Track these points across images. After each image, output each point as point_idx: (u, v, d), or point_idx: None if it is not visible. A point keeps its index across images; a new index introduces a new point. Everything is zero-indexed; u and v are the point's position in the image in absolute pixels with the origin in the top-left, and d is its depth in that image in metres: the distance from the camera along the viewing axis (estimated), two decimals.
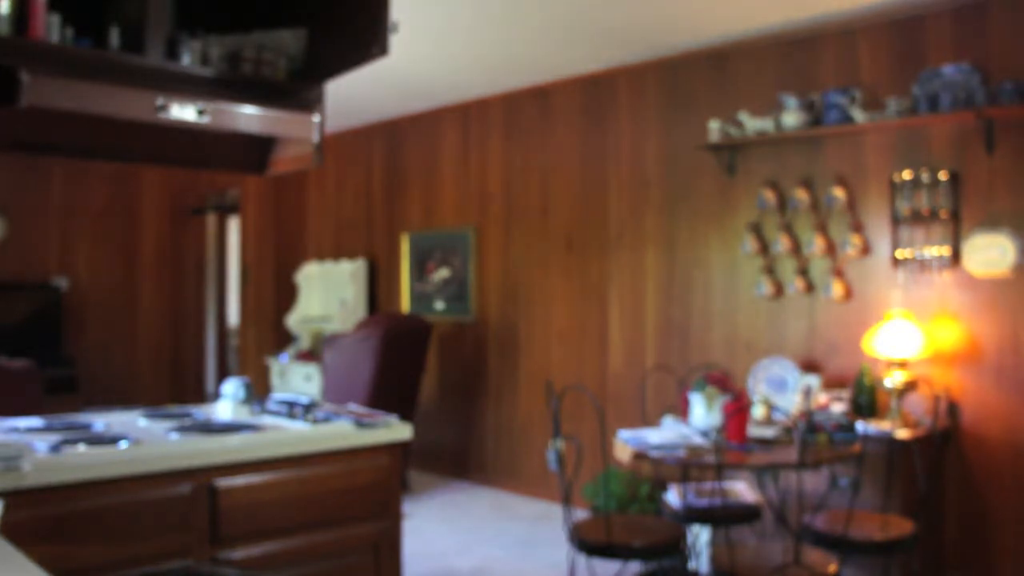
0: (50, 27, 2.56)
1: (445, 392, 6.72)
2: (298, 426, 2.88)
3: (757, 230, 4.87)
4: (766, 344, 4.88)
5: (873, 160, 4.49)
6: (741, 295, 5.00)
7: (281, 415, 3.03)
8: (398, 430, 2.96)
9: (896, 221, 4.36)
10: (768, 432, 3.59)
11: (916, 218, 4.29)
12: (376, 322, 6.19)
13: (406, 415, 5.86)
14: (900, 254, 4.35)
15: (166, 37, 2.78)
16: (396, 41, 2.81)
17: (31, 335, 7.50)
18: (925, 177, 4.26)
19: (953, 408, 4.20)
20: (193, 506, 2.48)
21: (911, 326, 4.18)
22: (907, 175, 4.31)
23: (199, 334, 8.80)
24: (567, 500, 3.40)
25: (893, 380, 4.13)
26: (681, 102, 5.29)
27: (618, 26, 4.73)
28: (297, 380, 7.19)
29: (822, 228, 4.62)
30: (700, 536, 4.10)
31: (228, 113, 2.76)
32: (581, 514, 4.86)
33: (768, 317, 4.89)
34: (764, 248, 4.85)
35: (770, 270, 4.84)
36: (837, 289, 4.53)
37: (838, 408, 4.19)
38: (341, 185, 7.75)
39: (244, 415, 3.10)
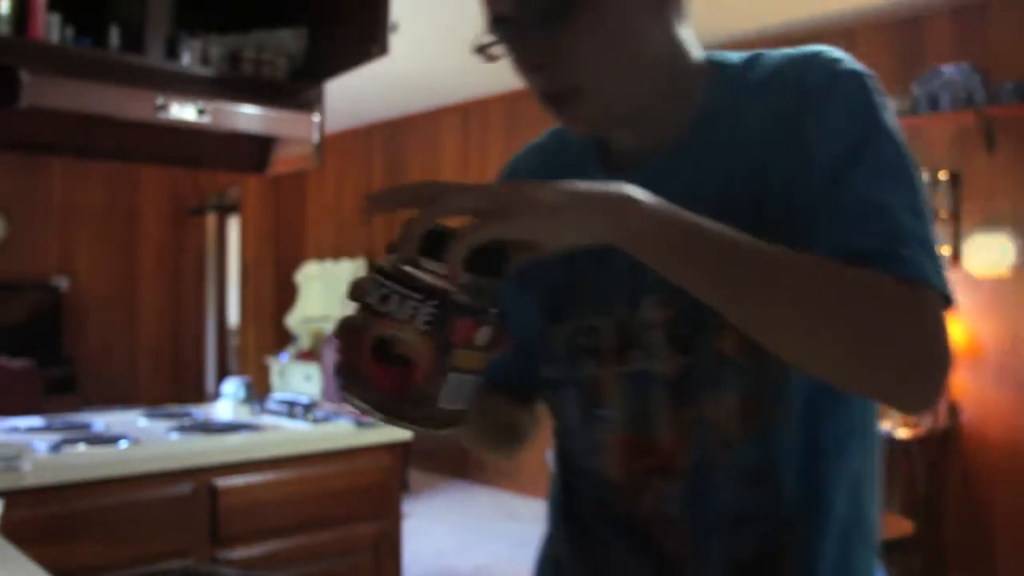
0: (50, 27, 2.56)
1: None
2: (298, 426, 2.89)
3: None
4: None
5: None
6: None
7: (281, 415, 3.03)
8: (398, 430, 2.96)
9: None
10: None
11: None
12: None
13: None
14: None
15: (166, 37, 2.78)
16: (396, 41, 2.81)
17: (31, 335, 7.50)
18: (925, 177, 4.26)
19: (953, 408, 4.20)
20: (193, 506, 2.48)
21: None
22: None
23: (199, 334, 8.80)
24: None
25: None
26: None
27: None
28: (297, 380, 7.19)
29: None
30: None
31: (228, 113, 2.76)
32: None
33: None
34: None
35: None
36: None
37: None
38: (341, 185, 7.75)
39: (244, 415, 3.10)
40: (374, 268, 0.67)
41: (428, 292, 0.63)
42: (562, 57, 0.79)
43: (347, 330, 0.67)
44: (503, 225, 0.63)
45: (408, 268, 0.64)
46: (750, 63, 0.85)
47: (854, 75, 0.79)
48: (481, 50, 0.82)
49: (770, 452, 0.82)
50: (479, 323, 0.65)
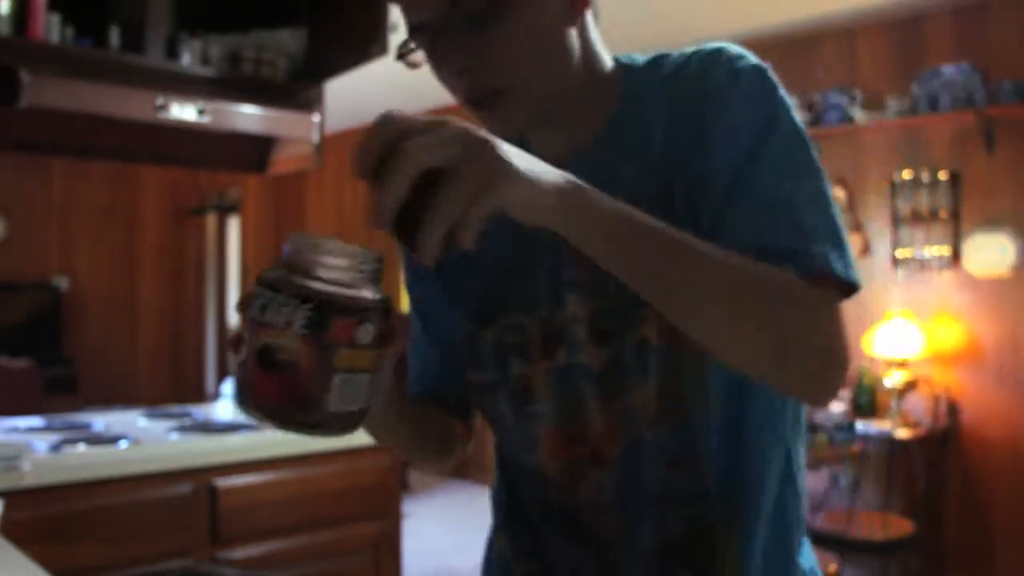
0: (50, 27, 2.56)
1: None
2: None
3: None
4: None
5: (873, 160, 4.49)
6: None
7: None
8: None
9: (896, 221, 4.36)
10: None
11: (916, 218, 4.29)
12: None
13: None
14: (900, 254, 4.35)
15: (166, 37, 2.78)
16: (396, 41, 2.81)
17: (31, 335, 7.50)
18: (925, 177, 4.26)
19: (953, 408, 4.21)
20: (193, 506, 2.48)
21: (911, 326, 4.19)
22: (907, 175, 4.31)
23: (199, 334, 8.80)
24: None
25: (893, 380, 4.13)
26: None
27: (616, 26, 4.72)
28: None
29: None
30: None
31: (228, 113, 2.76)
32: None
33: None
34: None
35: None
36: None
37: (838, 408, 4.19)
38: (341, 185, 7.75)
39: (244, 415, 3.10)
40: (258, 279, 0.67)
41: (304, 296, 0.64)
42: (488, 60, 0.80)
43: (236, 344, 0.68)
44: (485, 201, 0.61)
45: (288, 276, 0.65)
46: (655, 63, 0.87)
47: (754, 71, 0.81)
48: (402, 56, 0.84)
49: (689, 436, 0.84)
50: (360, 321, 0.66)
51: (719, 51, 0.83)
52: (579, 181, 0.68)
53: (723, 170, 0.78)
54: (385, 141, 0.62)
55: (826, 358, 0.74)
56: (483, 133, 0.64)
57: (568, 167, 0.85)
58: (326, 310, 0.64)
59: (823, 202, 0.77)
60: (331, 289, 0.65)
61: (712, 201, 0.78)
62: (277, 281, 0.65)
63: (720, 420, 0.84)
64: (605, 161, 0.86)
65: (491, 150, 0.63)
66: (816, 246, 0.74)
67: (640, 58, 0.89)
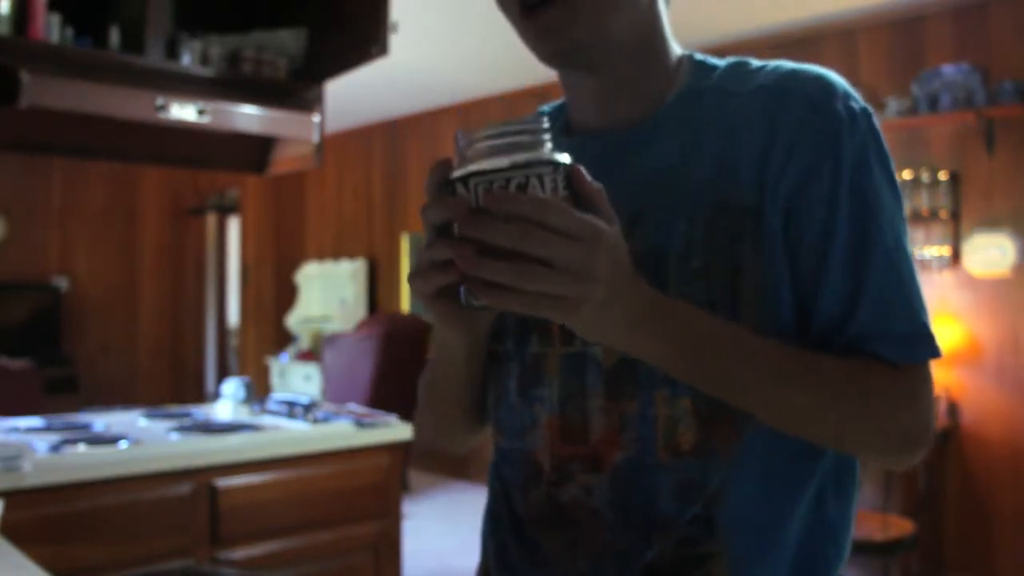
0: (50, 27, 2.56)
1: None
2: (298, 426, 2.89)
3: None
4: None
5: None
6: None
7: (281, 415, 3.03)
8: (398, 430, 2.96)
9: None
10: None
11: (916, 218, 4.29)
12: (376, 322, 6.19)
13: (406, 415, 5.85)
14: None
15: (166, 37, 2.78)
16: (396, 41, 2.81)
17: (31, 335, 7.50)
18: (925, 177, 4.26)
19: (953, 408, 4.20)
20: (193, 506, 2.48)
21: None
22: (907, 175, 4.31)
23: (199, 334, 8.80)
24: None
25: None
26: None
27: None
28: (297, 380, 7.19)
29: None
30: None
31: (228, 113, 2.76)
32: None
33: None
34: None
35: None
36: None
37: None
38: (341, 185, 7.75)
39: (244, 415, 3.10)
40: (467, 177, 0.66)
41: (551, 164, 0.66)
42: None
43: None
44: (561, 315, 0.66)
45: (530, 152, 0.66)
46: (737, 68, 0.86)
47: (868, 115, 0.82)
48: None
49: (712, 464, 0.79)
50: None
51: (826, 80, 0.83)
52: (658, 300, 0.71)
53: (838, 210, 0.79)
54: (520, 214, 0.63)
55: (913, 439, 0.79)
56: (621, 258, 0.67)
57: (609, 138, 0.86)
58: (569, 169, 0.67)
59: (913, 271, 0.80)
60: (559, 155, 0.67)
61: (817, 241, 0.78)
62: (521, 162, 0.65)
63: (749, 448, 0.79)
64: (669, 133, 0.84)
65: (617, 278, 0.66)
66: (918, 338, 0.78)
67: (717, 60, 0.88)
